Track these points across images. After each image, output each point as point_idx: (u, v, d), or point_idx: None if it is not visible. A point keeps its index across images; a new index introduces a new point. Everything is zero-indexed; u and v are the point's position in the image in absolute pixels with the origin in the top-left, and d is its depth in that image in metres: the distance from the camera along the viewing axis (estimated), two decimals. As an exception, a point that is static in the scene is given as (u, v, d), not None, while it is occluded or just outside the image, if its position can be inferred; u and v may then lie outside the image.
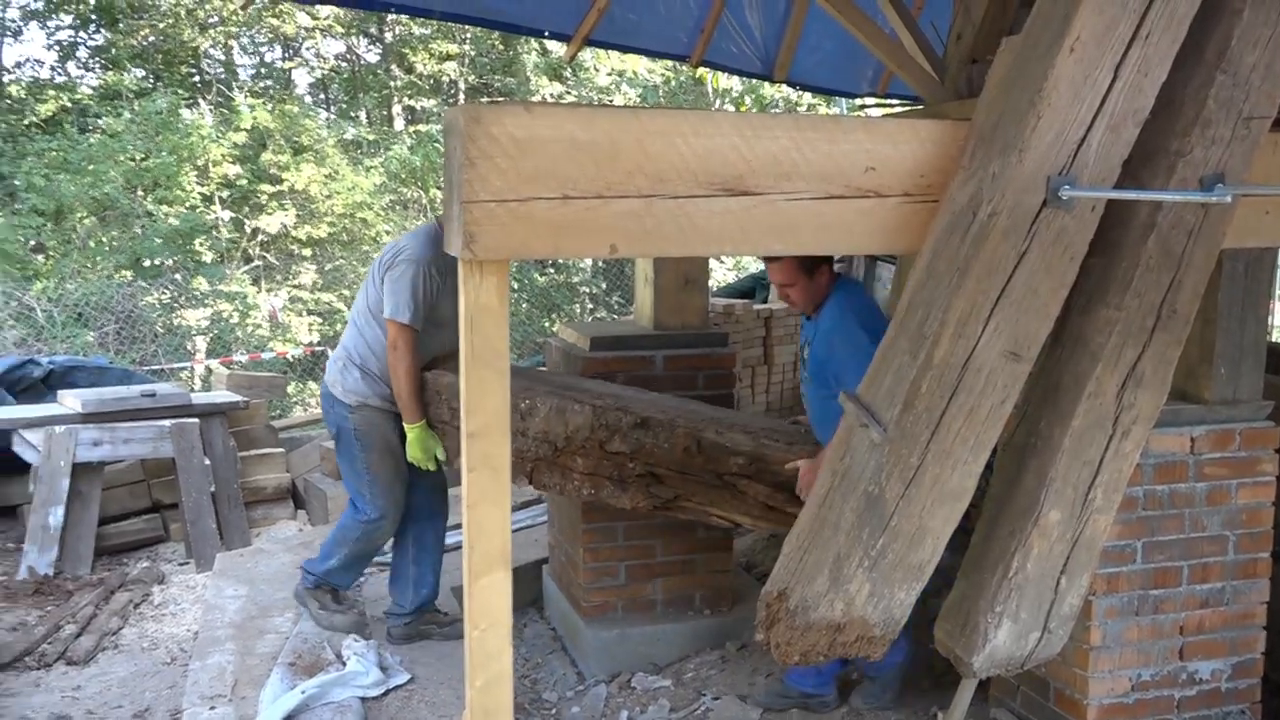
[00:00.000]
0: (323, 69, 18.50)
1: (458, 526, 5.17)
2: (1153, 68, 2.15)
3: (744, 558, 4.59)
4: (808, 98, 13.31)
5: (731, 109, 14.25)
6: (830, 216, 2.20)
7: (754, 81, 12.07)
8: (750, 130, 2.13)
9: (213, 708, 3.39)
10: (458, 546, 4.88)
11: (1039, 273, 2.19)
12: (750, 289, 9.47)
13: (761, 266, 12.40)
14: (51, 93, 16.50)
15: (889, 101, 6.83)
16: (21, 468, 5.72)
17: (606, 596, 3.78)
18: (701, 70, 10.47)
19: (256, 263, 14.44)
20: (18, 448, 5.59)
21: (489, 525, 2.14)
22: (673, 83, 16.67)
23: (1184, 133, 2.24)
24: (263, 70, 18.81)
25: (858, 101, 8.18)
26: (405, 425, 3.69)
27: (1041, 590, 2.42)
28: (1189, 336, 2.46)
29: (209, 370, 10.80)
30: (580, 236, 2.08)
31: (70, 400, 5.79)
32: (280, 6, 15.74)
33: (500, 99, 16.98)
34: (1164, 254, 2.30)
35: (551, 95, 16.50)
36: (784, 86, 8.62)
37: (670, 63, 15.01)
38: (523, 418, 3.27)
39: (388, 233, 14.33)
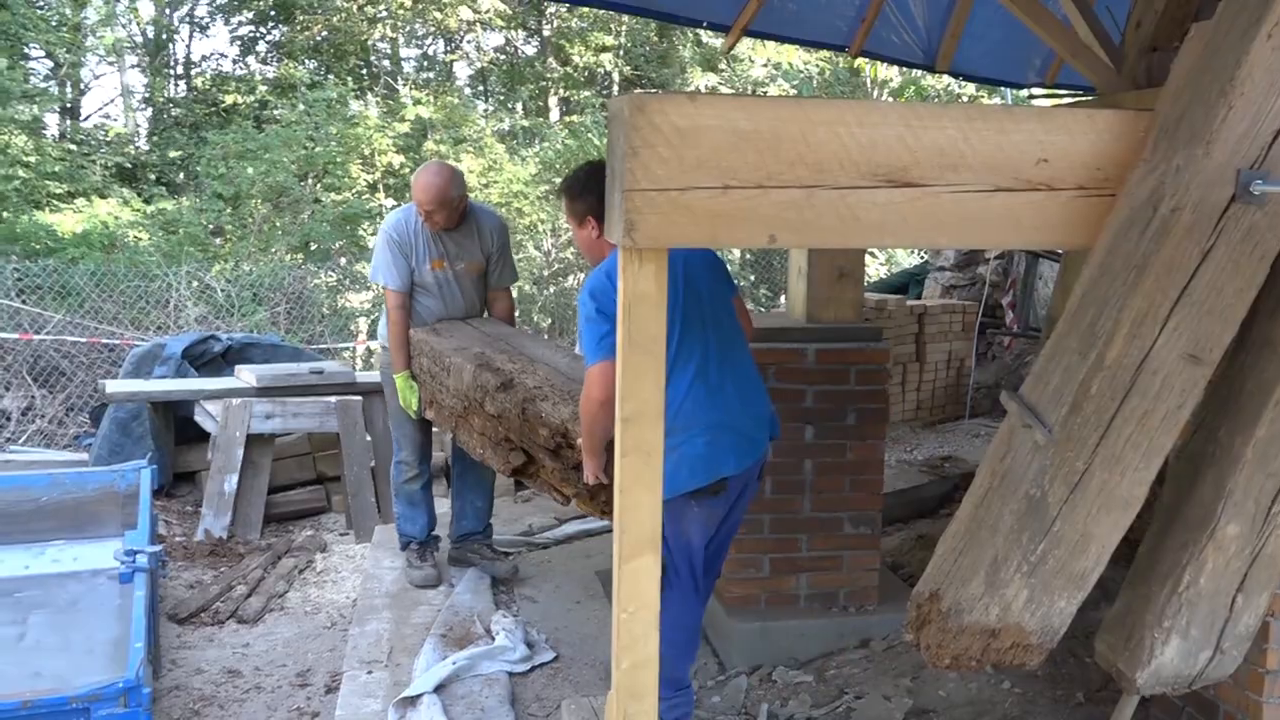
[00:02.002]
0: (482, 61, 19.01)
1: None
2: (1361, 54, 2.00)
3: (890, 557, 4.51)
4: (970, 89, 12.90)
5: (890, 100, 13.97)
6: (998, 210, 2.13)
7: (914, 72, 11.79)
8: (916, 120, 2.09)
9: (370, 672, 3.56)
10: (604, 531, 4.97)
11: (1225, 272, 2.07)
12: (904, 284, 9.28)
13: (916, 261, 12.13)
14: (232, 85, 17.53)
15: (1057, 92, 6.56)
16: (201, 436, 6.11)
17: (749, 588, 3.78)
18: (859, 61, 10.29)
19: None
20: (198, 417, 5.98)
21: (640, 509, 2.16)
22: (828, 74, 16.44)
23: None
24: (425, 63, 19.49)
25: (1022, 93, 7.89)
26: (394, 372, 4.21)
27: (1215, 607, 2.29)
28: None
29: (369, 350, 11.27)
30: (739, 226, 2.08)
31: (246, 375, 6.14)
32: (444, 1, 16.27)
33: (654, 90, 17.09)
34: (1366, 255, 2.14)
35: (705, 87, 16.53)
36: (945, 77, 8.38)
37: (826, 54, 14.81)
38: (447, 374, 3.59)
39: (542, 221, 14.62)
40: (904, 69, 11.74)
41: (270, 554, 5.37)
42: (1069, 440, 2.12)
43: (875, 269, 14.28)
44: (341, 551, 5.64)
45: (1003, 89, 8.94)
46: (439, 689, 3.37)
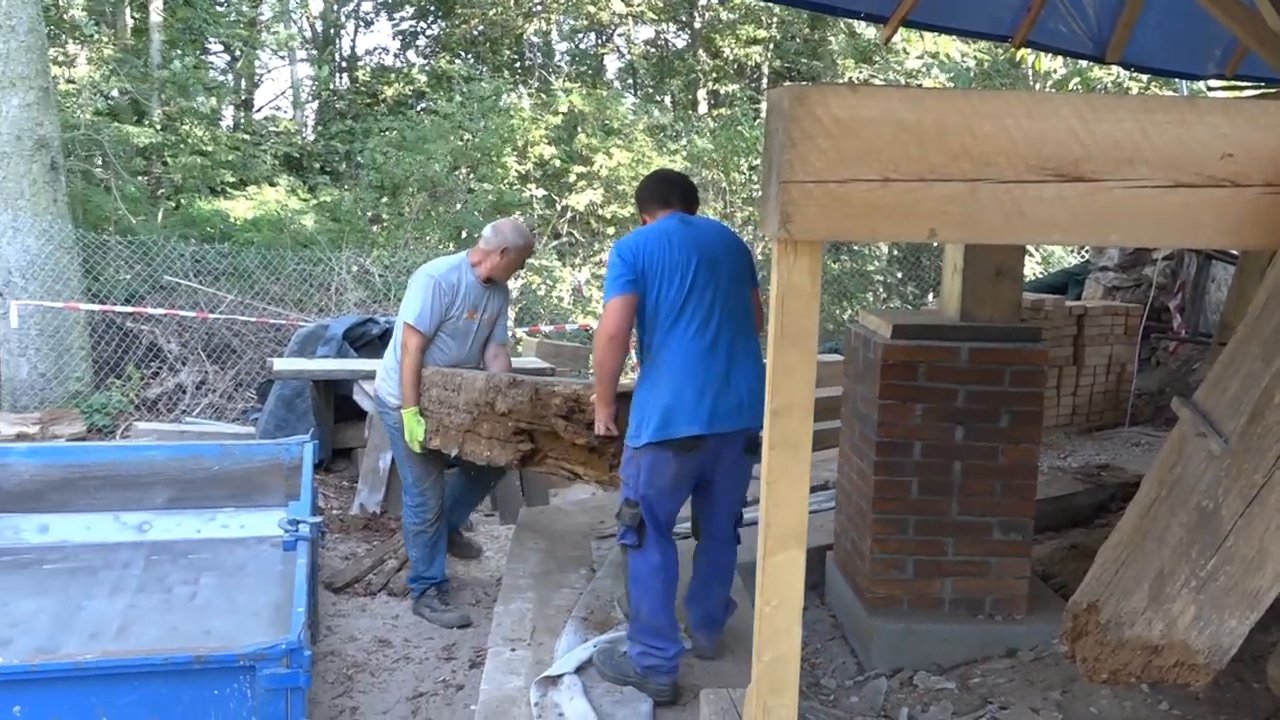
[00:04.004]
0: (632, 55, 19.17)
1: (745, 504, 5.22)
2: None
3: (1041, 566, 4.36)
4: (1141, 81, 12.28)
5: (1054, 92, 13.42)
6: (1175, 207, 2.03)
7: (1079, 63, 11.30)
8: (1090, 112, 2.01)
9: (513, 649, 3.64)
10: (751, 524, 4.93)
11: None
12: (1063, 284, 8.93)
13: (1077, 261, 11.64)
14: (392, 78, 18.21)
15: (1239, 84, 6.19)
16: (358, 415, 6.38)
17: (893, 590, 3.72)
18: (1021, 52, 9.93)
19: (564, 238, 15.23)
20: (356, 396, 6.24)
21: (786, 502, 2.16)
22: (986, 65, 15.93)
23: None
24: (576, 57, 19.79)
25: (1199, 85, 7.48)
26: (402, 408, 4.39)
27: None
28: None
29: (517, 338, 11.55)
30: (898, 220, 2.04)
31: (402, 357, 6.37)
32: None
33: (805, 83, 16.90)
34: None
35: (858, 79, 16.26)
36: (1114, 69, 7.99)
37: (985, 45, 14.35)
38: (458, 392, 4.04)
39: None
40: (1070, 60, 11.26)
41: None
42: (1247, 451, 2.01)
43: (1031, 268, 13.76)
44: (486, 531, 5.81)
45: (1178, 81, 8.50)
46: (579, 670, 3.43)
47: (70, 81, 13.22)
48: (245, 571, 4.34)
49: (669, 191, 3.49)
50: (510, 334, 4.77)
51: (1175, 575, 2.07)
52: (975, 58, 15.85)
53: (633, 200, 3.41)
